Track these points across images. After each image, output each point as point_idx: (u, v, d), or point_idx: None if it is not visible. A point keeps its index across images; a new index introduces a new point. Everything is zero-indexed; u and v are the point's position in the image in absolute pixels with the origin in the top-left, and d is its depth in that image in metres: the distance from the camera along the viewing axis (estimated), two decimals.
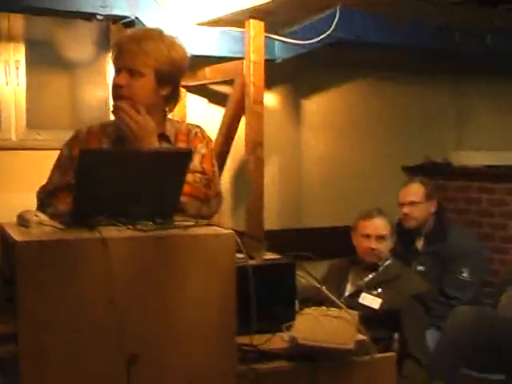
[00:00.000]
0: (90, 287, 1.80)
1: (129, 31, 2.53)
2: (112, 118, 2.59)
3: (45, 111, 4.89)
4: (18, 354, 1.75)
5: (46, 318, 1.76)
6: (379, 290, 3.75)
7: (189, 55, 2.63)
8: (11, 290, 1.84)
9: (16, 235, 1.85)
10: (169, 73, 2.49)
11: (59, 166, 2.55)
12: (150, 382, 1.86)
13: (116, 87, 2.46)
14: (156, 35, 2.50)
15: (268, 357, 2.07)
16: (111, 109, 2.49)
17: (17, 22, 4.74)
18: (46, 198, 2.47)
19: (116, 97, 2.47)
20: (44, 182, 2.60)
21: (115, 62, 2.49)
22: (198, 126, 2.66)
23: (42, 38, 4.85)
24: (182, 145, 2.54)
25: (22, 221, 1.99)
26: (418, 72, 5.75)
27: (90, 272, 1.80)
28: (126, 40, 2.47)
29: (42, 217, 2.03)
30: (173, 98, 2.58)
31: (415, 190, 4.47)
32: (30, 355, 1.75)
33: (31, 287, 1.76)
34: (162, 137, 2.52)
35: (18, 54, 4.73)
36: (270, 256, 2.33)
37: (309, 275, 2.32)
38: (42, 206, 2.45)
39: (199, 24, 4.65)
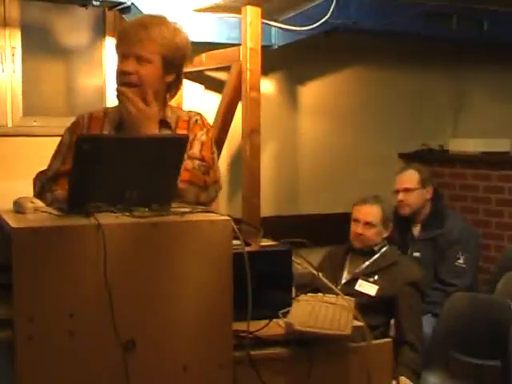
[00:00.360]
0: (85, 273, 1.79)
1: (134, 18, 2.51)
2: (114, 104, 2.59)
3: (41, 98, 4.87)
4: (13, 340, 1.75)
5: (41, 304, 1.76)
6: (376, 277, 3.76)
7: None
8: (7, 276, 1.83)
9: (12, 221, 1.84)
10: (174, 59, 2.50)
11: (60, 152, 2.54)
12: (146, 368, 1.86)
13: (123, 74, 2.44)
14: (162, 22, 2.49)
15: (264, 343, 2.07)
16: (115, 94, 2.48)
17: (12, 8, 4.71)
18: (45, 183, 2.46)
19: (122, 83, 2.45)
20: (40, 168, 2.59)
21: (121, 49, 2.47)
22: (198, 114, 2.67)
23: (37, 25, 4.83)
24: (182, 132, 2.54)
25: (18, 207, 1.99)
26: (414, 58, 5.74)
27: (86, 258, 1.80)
28: (134, 26, 2.46)
29: (38, 203, 2.02)
30: (175, 85, 2.60)
31: (410, 177, 4.47)
32: (26, 341, 1.75)
33: (27, 273, 1.75)
34: (163, 123, 2.53)
35: (13, 40, 4.71)
36: (266, 243, 2.32)
37: (305, 262, 2.31)
38: (41, 191, 2.44)
39: (196, 10, 4.64)
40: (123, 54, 2.45)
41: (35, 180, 2.54)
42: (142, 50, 2.42)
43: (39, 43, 4.86)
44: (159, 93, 2.51)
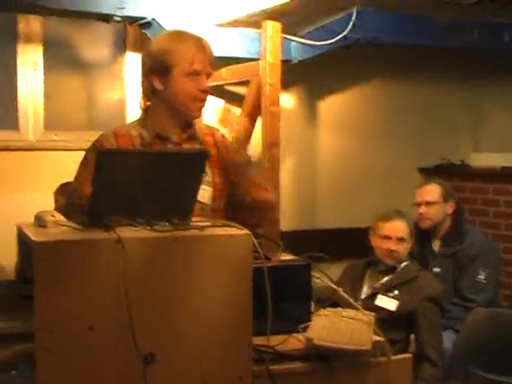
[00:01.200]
0: (105, 286, 1.80)
1: (184, 33, 2.60)
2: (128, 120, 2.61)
3: (62, 112, 4.90)
4: (33, 351, 1.76)
5: (61, 316, 1.77)
6: (396, 291, 3.74)
7: None
8: (28, 288, 1.85)
9: (33, 235, 1.85)
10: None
11: (85, 171, 2.49)
12: (166, 381, 1.87)
13: (205, 91, 2.57)
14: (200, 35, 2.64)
15: (284, 358, 2.06)
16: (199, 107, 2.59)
17: (35, 24, 4.76)
18: (74, 205, 2.45)
19: (199, 99, 2.57)
20: (60, 182, 2.60)
21: (196, 66, 2.53)
22: (215, 127, 2.78)
23: (59, 40, 4.87)
24: (213, 148, 2.64)
25: (39, 221, 2.00)
26: (434, 71, 5.72)
27: (106, 271, 1.80)
28: (198, 45, 2.56)
29: (59, 217, 2.04)
30: None
31: (431, 190, 4.45)
32: (45, 353, 1.75)
33: (47, 286, 1.76)
34: (192, 139, 2.61)
35: (35, 55, 4.75)
36: (285, 257, 2.32)
37: (325, 276, 2.31)
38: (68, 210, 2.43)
39: (216, 25, 4.66)
40: (198, 72, 2.53)
41: (56, 193, 2.55)
42: (211, 69, 2.58)
43: (61, 58, 4.91)
44: None
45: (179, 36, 2.59)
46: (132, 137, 2.55)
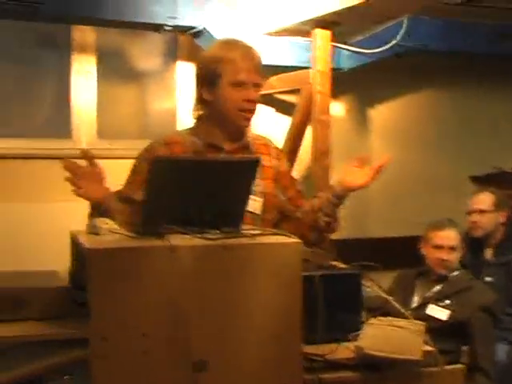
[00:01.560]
0: (158, 294, 1.82)
1: (233, 42, 2.61)
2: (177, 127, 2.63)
3: (114, 121, 4.97)
4: (88, 357, 1.78)
5: (115, 323, 1.79)
6: (447, 301, 3.70)
7: None
8: (82, 295, 1.87)
9: (87, 242, 1.88)
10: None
11: (135, 179, 2.54)
12: None
13: (251, 102, 2.54)
14: (250, 44, 2.63)
15: (334, 367, 2.06)
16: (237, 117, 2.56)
17: (88, 34, 4.83)
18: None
19: (245, 110, 2.55)
20: (113, 190, 2.63)
21: (242, 77, 2.52)
22: (268, 138, 2.76)
23: (112, 50, 4.94)
24: (266, 158, 2.63)
25: (93, 228, 2.03)
26: (485, 79, 5.65)
27: (159, 279, 1.82)
28: (245, 55, 2.54)
29: (112, 224, 2.06)
30: None
31: (485, 199, 4.40)
32: (100, 360, 1.77)
33: (101, 293, 1.78)
34: (245, 149, 2.61)
35: (89, 65, 4.82)
36: (336, 265, 2.32)
37: (375, 285, 2.30)
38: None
39: (266, 34, 4.67)
40: (244, 82, 2.52)
41: None
42: (259, 79, 2.56)
43: (114, 68, 4.97)
44: None
45: (227, 45, 2.60)
46: (184, 145, 2.56)
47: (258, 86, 2.56)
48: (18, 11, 4.25)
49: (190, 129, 2.63)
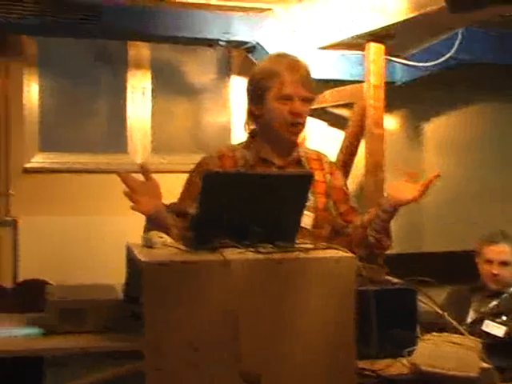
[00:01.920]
0: (211, 308, 1.82)
1: (280, 56, 2.60)
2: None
3: (169, 136, 5.02)
4: (142, 370, 1.79)
5: (168, 336, 1.79)
6: (503, 317, 3.63)
7: None
8: (136, 307, 1.89)
9: (141, 256, 1.89)
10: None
11: (189, 193, 2.54)
12: None
13: (297, 115, 2.51)
14: (299, 57, 2.60)
15: (389, 383, 2.03)
16: (290, 130, 2.53)
17: (143, 50, 4.90)
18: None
19: (293, 124, 2.52)
20: (167, 203, 2.64)
21: (288, 91, 2.49)
22: (322, 153, 2.72)
23: (166, 65, 5.00)
24: (319, 173, 2.59)
25: (148, 242, 2.04)
26: None
27: (212, 292, 1.82)
28: (291, 68, 2.51)
29: (167, 238, 2.07)
30: None
31: None
32: (155, 372, 1.78)
33: (155, 306, 1.80)
34: (299, 164, 2.58)
35: (144, 80, 4.89)
36: (390, 280, 2.29)
37: (430, 301, 2.27)
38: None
39: (319, 48, 4.68)
40: (290, 96, 2.49)
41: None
42: (306, 92, 2.51)
43: (168, 83, 5.03)
44: None
45: (274, 59, 2.59)
46: (236, 159, 2.56)
47: (306, 99, 2.52)
48: (76, 28, 4.34)
49: (243, 143, 2.64)
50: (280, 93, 2.49)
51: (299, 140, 2.64)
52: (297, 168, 2.56)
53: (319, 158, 2.66)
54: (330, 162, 2.71)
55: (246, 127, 2.64)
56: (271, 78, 2.51)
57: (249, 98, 2.60)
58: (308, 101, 2.53)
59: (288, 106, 2.49)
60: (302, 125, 2.54)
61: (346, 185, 2.72)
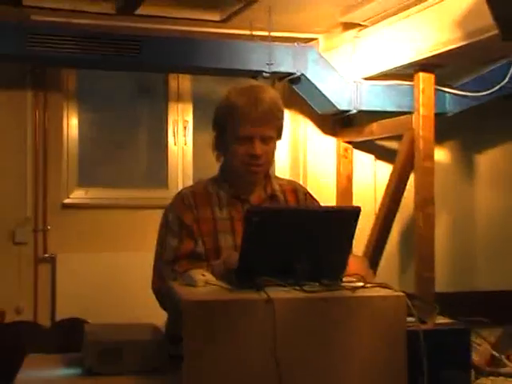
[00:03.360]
0: (254, 348, 1.82)
1: (239, 89, 2.46)
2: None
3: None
4: None
5: (209, 376, 1.80)
6: None
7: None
8: (176, 348, 1.89)
9: (183, 294, 1.90)
10: (282, 126, 2.50)
11: (171, 232, 2.45)
12: None
13: (254, 157, 2.40)
14: (271, 92, 2.46)
15: None
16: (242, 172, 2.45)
17: (184, 83, 4.96)
18: (164, 268, 2.40)
19: (252, 165, 2.42)
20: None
21: (245, 131, 2.39)
22: (296, 182, 2.68)
23: (208, 97, 5.04)
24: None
25: (189, 280, 2.05)
26: None
27: (255, 332, 1.82)
28: (252, 106, 2.38)
29: (209, 276, 2.08)
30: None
31: None
32: None
33: (196, 345, 1.80)
34: (273, 198, 2.51)
35: (185, 113, 4.95)
36: (442, 320, 2.27)
37: (485, 342, 2.24)
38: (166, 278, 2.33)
39: (365, 78, 4.69)
40: (247, 137, 2.40)
41: (157, 268, 2.46)
42: (267, 130, 2.41)
43: (209, 115, 5.06)
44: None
45: (235, 93, 2.45)
46: (209, 195, 2.49)
47: (267, 138, 2.41)
48: (115, 61, 4.42)
49: (216, 178, 2.56)
50: (236, 133, 2.40)
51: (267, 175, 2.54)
52: (273, 203, 2.49)
53: (295, 189, 2.59)
54: (306, 193, 2.60)
55: (216, 157, 2.55)
56: (229, 116, 2.41)
57: (213, 129, 2.52)
58: (270, 139, 2.43)
59: (245, 147, 2.39)
60: (263, 165, 2.44)
61: None
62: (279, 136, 2.49)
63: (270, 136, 2.42)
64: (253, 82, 2.54)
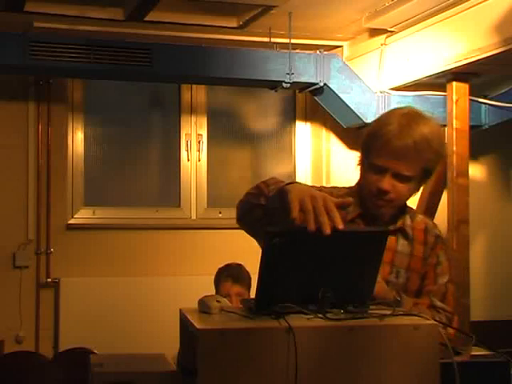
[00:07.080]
0: (274, 379, 1.81)
1: (392, 113, 2.45)
2: None
3: (226, 187, 5.06)
4: None
5: None
6: None
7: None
8: (190, 380, 1.89)
9: (197, 322, 1.90)
10: (433, 169, 2.46)
11: None
12: None
13: (380, 192, 2.40)
14: (431, 130, 2.40)
15: None
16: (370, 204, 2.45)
17: (199, 94, 4.98)
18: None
19: (377, 198, 2.42)
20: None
21: (379, 161, 2.38)
22: (431, 222, 2.62)
23: (223, 110, 5.06)
24: (419, 247, 2.51)
25: (204, 307, 2.05)
26: None
27: (275, 362, 1.82)
28: (402, 141, 2.35)
29: (225, 302, 2.08)
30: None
31: None
32: None
33: (211, 377, 1.80)
34: (401, 232, 2.52)
35: (200, 127, 4.95)
36: (478, 352, 2.25)
37: None
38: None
39: (393, 89, 4.69)
40: (381, 168, 2.39)
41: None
42: (404, 168, 2.39)
43: (225, 129, 5.09)
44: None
45: (387, 117, 2.44)
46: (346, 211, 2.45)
47: (400, 176, 2.38)
48: (125, 71, 4.44)
49: (351, 188, 2.57)
50: (372, 161, 2.41)
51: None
52: (399, 237, 2.49)
53: (427, 228, 2.57)
54: (437, 236, 2.57)
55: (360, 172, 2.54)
56: (374, 140, 2.41)
57: (360, 149, 2.53)
58: (405, 179, 2.39)
59: (376, 178, 2.40)
60: (391, 202, 2.43)
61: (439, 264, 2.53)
62: (425, 177, 2.45)
63: (406, 175, 2.39)
64: (416, 109, 2.50)
